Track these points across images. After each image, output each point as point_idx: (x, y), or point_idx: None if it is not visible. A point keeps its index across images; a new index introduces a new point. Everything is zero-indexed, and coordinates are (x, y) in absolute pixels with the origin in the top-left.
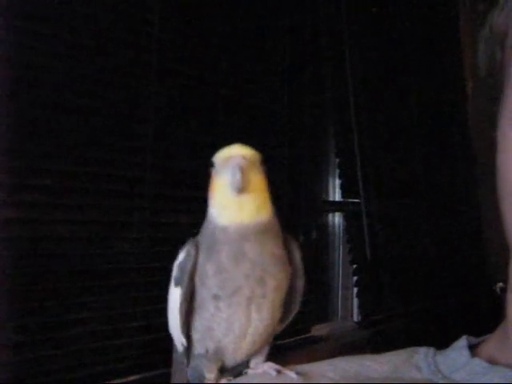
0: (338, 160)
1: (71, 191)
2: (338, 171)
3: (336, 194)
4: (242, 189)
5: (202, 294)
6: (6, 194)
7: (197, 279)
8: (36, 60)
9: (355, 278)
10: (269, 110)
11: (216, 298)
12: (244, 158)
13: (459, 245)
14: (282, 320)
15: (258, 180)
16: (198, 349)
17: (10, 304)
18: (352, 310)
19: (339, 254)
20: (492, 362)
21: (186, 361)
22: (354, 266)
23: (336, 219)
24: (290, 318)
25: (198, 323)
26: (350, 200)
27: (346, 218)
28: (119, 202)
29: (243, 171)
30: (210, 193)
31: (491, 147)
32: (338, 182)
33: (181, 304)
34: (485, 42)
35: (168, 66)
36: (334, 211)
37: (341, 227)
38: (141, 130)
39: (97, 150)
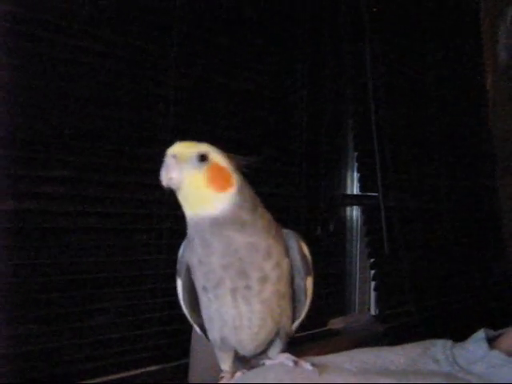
0: (356, 154)
1: (91, 184)
2: (356, 165)
3: (354, 188)
4: (169, 185)
5: (197, 286)
6: (27, 186)
7: (191, 272)
8: (55, 52)
9: (372, 271)
10: (288, 103)
11: (204, 289)
12: (176, 155)
13: (477, 238)
14: (295, 313)
15: (195, 176)
16: (209, 337)
17: (30, 295)
18: (369, 304)
19: (357, 247)
20: (511, 354)
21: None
22: (372, 259)
23: (354, 213)
24: (302, 318)
25: (204, 313)
26: (368, 194)
27: (364, 211)
28: (139, 194)
29: (170, 169)
30: None
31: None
32: (356, 175)
33: (182, 294)
34: (506, 33)
35: (187, 59)
36: (352, 205)
37: (359, 221)
38: (161, 124)
39: (117, 142)
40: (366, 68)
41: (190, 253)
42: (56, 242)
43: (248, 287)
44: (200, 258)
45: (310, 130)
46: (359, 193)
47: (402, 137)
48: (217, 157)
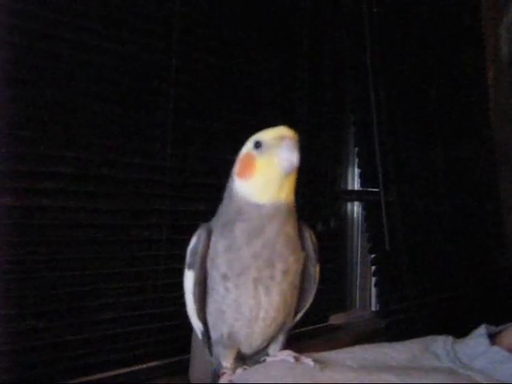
0: (357, 149)
1: (91, 179)
2: (357, 160)
3: (355, 183)
4: (291, 169)
5: (213, 275)
6: (27, 183)
7: (208, 261)
8: (54, 48)
9: (373, 267)
10: (288, 99)
11: (224, 277)
12: (294, 139)
13: (479, 234)
14: (298, 308)
15: (299, 162)
16: (213, 334)
17: (29, 290)
18: (370, 300)
19: (358, 243)
20: None
21: (207, 349)
22: (373, 255)
23: (355, 208)
24: (307, 306)
25: (212, 307)
26: (369, 189)
27: (364, 207)
28: (139, 189)
29: (293, 152)
30: (248, 171)
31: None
32: (357, 171)
33: (194, 287)
34: (507, 28)
35: (188, 55)
36: (352, 200)
37: (359, 216)
38: (160, 119)
39: (116, 138)
40: (367, 64)
41: (215, 239)
42: (55, 238)
43: (272, 277)
44: (232, 244)
45: (310, 126)
46: (360, 188)
47: (403, 132)
48: None
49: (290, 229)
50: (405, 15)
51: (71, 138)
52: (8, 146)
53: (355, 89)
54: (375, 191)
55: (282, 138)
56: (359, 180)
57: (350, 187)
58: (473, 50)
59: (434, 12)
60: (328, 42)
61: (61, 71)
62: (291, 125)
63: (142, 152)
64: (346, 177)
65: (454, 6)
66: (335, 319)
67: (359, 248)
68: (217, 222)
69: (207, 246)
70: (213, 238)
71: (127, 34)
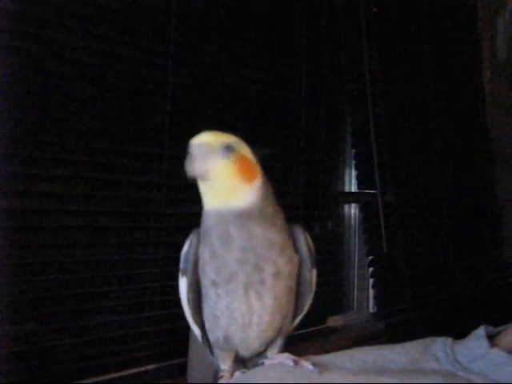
0: (354, 151)
1: (88, 182)
2: (354, 162)
3: (352, 185)
4: (198, 176)
5: (205, 282)
6: (23, 185)
7: (200, 268)
8: (52, 49)
9: (371, 269)
10: (286, 101)
11: (214, 284)
12: (203, 145)
13: (476, 236)
14: (296, 311)
15: (223, 166)
16: (211, 337)
17: (29, 294)
18: (368, 301)
19: (355, 245)
20: (511, 352)
21: (209, 350)
22: (370, 257)
23: (352, 210)
24: (305, 311)
25: (207, 311)
26: (366, 191)
27: (362, 209)
28: (137, 192)
29: (198, 159)
30: None
31: (508, 136)
32: (354, 173)
33: (187, 293)
34: (504, 27)
35: (185, 56)
36: (350, 202)
37: (357, 218)
38: (158, 121)
39: (114, 140)
40: (364, 66)
41: (202, 246)
42: (53, 240)
43: (262, 282)
44: (215, 251)
45: (308, 128)
46: (357, 190)
47: (400, 134)
48: (243, 147)
49: (268, 231)
50: (401, 15)
51: (68, 140)
52: (4, 149)
53: (353, 90)
54: (372, 193)
55: (192, 144)
56: (356, 182)
57: (347, 189)
58: (469, 49)
59: (431, 13)
60: (326, 44)
61: (57, 74)
62: (289, 126)
63: (139, 154)
64: (343, 179)
65: (451, 4)
66: (333, 321)
67: (357, 250)
68: (201, 228)
69: (198, 252)
70: (201, 245)
71: (125, 36)
